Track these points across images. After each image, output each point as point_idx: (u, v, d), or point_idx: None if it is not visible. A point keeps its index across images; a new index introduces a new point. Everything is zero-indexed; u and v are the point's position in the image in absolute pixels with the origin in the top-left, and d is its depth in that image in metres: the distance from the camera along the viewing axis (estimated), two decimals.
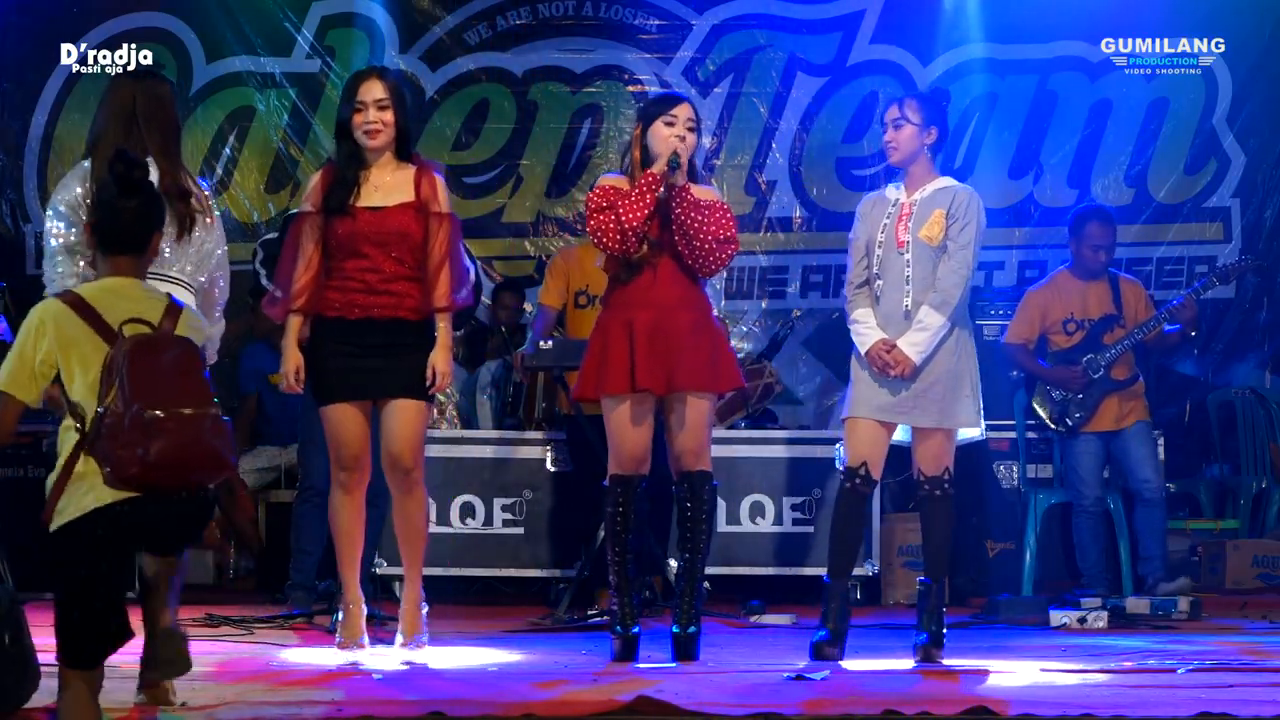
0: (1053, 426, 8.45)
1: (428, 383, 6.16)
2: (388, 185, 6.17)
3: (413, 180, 6.18)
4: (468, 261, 6.46)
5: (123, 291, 4.63)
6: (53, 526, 4.45)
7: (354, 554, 6.23)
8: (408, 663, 6.01)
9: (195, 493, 4.52)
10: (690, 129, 6.13)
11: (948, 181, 6.35)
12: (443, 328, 6.18)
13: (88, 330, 4.50)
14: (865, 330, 6.27)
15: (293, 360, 6.16)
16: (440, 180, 6.23)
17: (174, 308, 4.66)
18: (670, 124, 6.12)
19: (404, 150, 6.22)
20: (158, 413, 4.36)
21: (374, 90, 6.16)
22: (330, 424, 6.20)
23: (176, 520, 4.54)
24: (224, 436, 4.48)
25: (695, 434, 6.13)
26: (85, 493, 4.43)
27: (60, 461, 4.48)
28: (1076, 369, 8.35)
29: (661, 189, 6.04)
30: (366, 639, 6.24)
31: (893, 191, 6.37)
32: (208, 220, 5.96)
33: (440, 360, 6.15)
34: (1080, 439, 8.35)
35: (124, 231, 4.67)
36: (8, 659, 4.50)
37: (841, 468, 6.31)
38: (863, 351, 6.26)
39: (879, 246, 6.30)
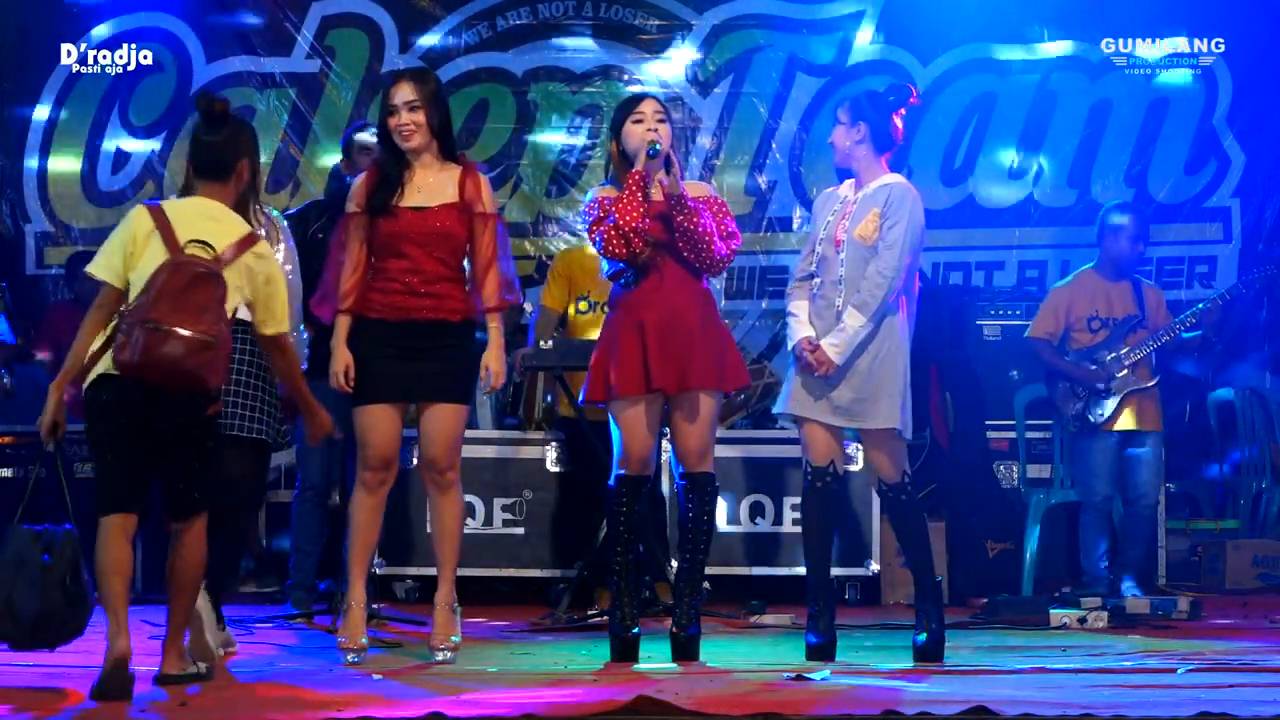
0: (1073, 424, 8.42)
1: (483, 383, 6.16)
2: (431, 186, 6.16)
3: (457, 180, 6.17)
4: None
5: (204, 211, 5.32)
6: (85, 383, 5.21)
7: (365, 554, 6.23)
8: (439, 664, 6.04)
9: (185, 401, 5.17)
10: (660, 120, 6.17)
11: (891, 179, 6.30)
12: (494, 328, 6.17)
13: (158, 238, 5.20)
14: (795, 325, 6.27)
15: (342, 359, 6.13)
16: (485, 180, 6.23)
17: (249, 238, 5.31)
18: (639, 121, 6.17)
19: (447, 150, 6.22)
20: (155, 322, 5.03)
21: (403, 92, 6.15)
22: (362, 424, 6.17)
23: (165, 416, 5.17)
24: (205, 360, 5.09)
25: (701, 433, 6.15)
26: (105, 361, 5.17)
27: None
28: (1099, 367, 8.35)
29: (653, 186, 6.07)
30: (366, 639, 6.24)
31: (845, 188, 6.37)
32: (276, 245, 6.19)
33: (494, 360, 6.14)
34: (1098, 436, 8.34)
35: (209, 160, 5.39)
36: (69, 597, 5.22)
37: (807, 469, 6.27)
38: (789, 346, 6.28)
39: (819, 244, 6.31)
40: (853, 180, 6.34)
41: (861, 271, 6.17)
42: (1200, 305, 8.45)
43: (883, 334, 6.17)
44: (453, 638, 6.20)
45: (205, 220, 5.28)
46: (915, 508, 6.30)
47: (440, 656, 6.13)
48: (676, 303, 6.12)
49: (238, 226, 5.33)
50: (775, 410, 6.39)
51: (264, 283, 5.33)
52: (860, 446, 6.35)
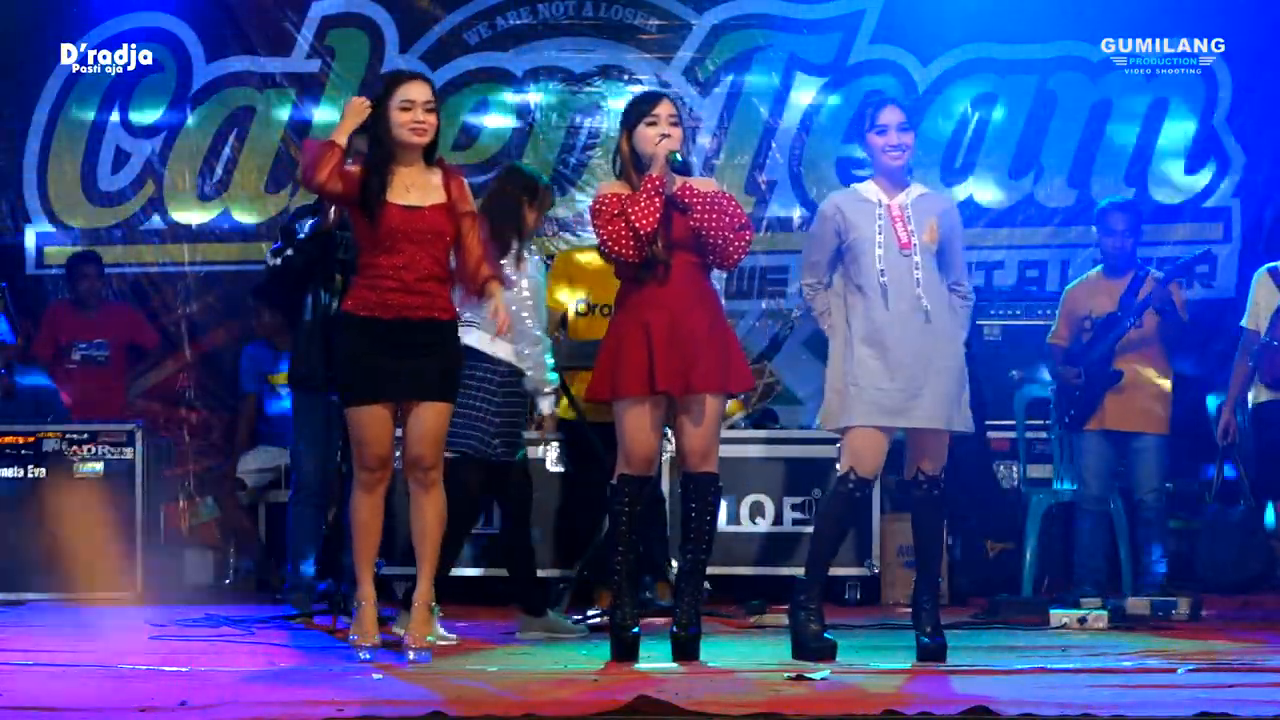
0: (1064, 422, 8.43)
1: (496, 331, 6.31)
2: (420, 186, 6.19)
3: (442, 182, 6.21)
4: None
5: None
6: None
7: (370, 553, 6.24)
8: (413, 663, 6.01)
9: None
10: (674, 123, 6.16)
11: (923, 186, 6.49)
12: (497, 293, 6.20)
13: None
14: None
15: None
16: (465, 181, 6.30)
17: None
18: (653, 124, 6.16)
19: (429, 154, 6.26)
20: None
21: (424, 92, 6.19)
22: (356, 424, 6.19)
23: None
24: None
25: (705, 435, 6.15)
26: None
27: None
28: (1076, 368, 8.35)
29: (669, 190, 6.07)
30: (379, 636, 6.24)
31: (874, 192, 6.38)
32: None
33: (501, 310, 6.20)
34: (1084, 436, 8.34)
35: None
36: None
37: (853, 475, 6.20)
38: None
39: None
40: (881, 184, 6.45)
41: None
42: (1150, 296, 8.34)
43: (942, 335, 6.23)
44: (428, 637, 6.21)
45: None
46: (944, 505, 6.31)
47: (412, 655, 6.09)
48: (684, 304, 6.12)
49: None
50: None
51: None
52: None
